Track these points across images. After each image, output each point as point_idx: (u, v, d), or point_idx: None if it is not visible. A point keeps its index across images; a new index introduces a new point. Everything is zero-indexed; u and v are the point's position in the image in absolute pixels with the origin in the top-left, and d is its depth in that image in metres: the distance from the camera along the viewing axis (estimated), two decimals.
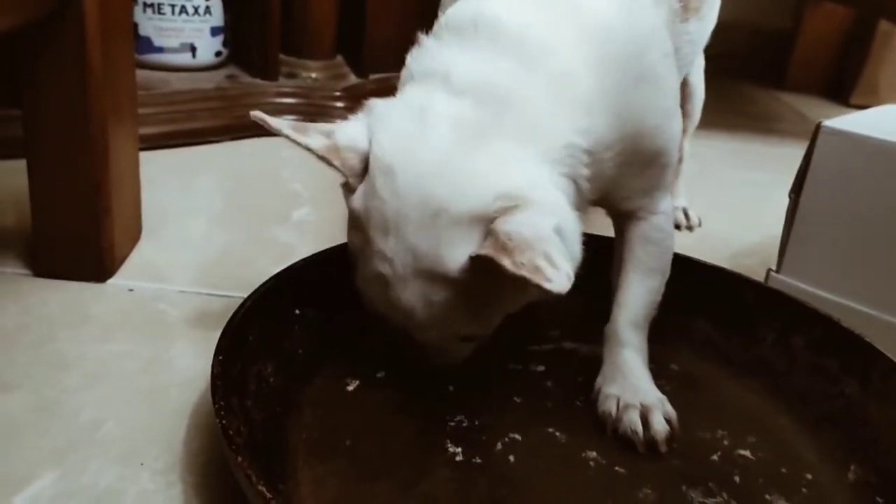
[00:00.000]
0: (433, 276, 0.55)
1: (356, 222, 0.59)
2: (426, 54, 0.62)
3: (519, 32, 0.59)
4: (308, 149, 0.58)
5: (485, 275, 0.53)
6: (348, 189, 0.59)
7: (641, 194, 0.69)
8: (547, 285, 0.48)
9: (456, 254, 0.54)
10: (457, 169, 0.55)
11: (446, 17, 0.63)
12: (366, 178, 0.58)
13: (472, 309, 0.57)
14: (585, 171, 0.60)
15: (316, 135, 0.59)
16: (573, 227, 0.57)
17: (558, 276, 0.49)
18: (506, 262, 0.49)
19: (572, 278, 0.50)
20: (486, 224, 0.53)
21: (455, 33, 0.61)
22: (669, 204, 0.72)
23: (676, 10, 0.75)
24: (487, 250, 0.51)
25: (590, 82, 0.59)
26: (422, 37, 0.64)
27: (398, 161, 0.56)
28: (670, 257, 0.72)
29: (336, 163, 0.58)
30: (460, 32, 0.61)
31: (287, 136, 0.58)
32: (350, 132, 0.59)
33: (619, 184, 0.66)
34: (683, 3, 0.77)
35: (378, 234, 0.56)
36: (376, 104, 0.61)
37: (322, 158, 0.58)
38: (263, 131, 0.59)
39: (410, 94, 0.60)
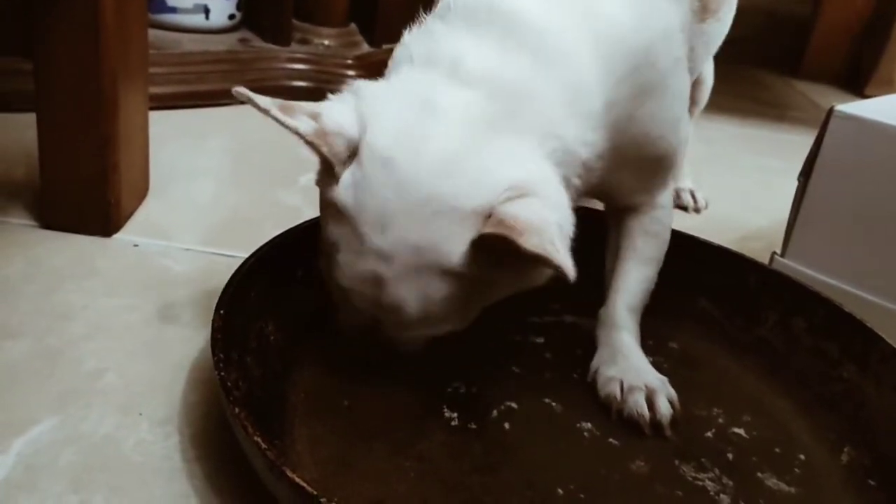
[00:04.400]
0: (434, 271, 0.53)
1: (340, 215, 0.54)
2: (430, 37, 0.59)
3: (538, 29, 0.57)
4: (296, 132, 0.53)
5: (486, 266, 0.52)
6: (328, 176, 0.55)
7: (642, 191, 0.69)
8: (559, 262, 0.48)
9: (460, 247, 0.52)
10: (467, 165, 0.53)
11: None
12: (353, 167, 0.54)
13: (463, 303, 0.56)
14: (577, 181, 0.60)
15: (303, 117, 0.54)
16: (570, 230, 0.55)
17: (568, 261, 0.49)
18: (521, 240, 0.48)
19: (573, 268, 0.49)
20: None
21: (466, 17, 0.58)
22: (669, 197, 0.72)
23: (695, 10, 0.73)
24: (497, 229, 0.49)
25: (600, 97, 0.58)
26: (425, 16, 0.61)
27: (401, 154, 0.53)
28: (666, 248, 0.72)
29: (324, 149, 0.53)
30: (472, 17, 0.58)
31: (275, 118, 0.53)
32: (337, 115, 0.55)
33: (618, 183, 0.66)
34: (703, 4, 0.75)
35: (373, 230, 0.53)
36: (366, 86, 0.57)
37: (310, 144, 0.54)
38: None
39: (411, 79, 0.57)
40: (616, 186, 0.67)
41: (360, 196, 0.53)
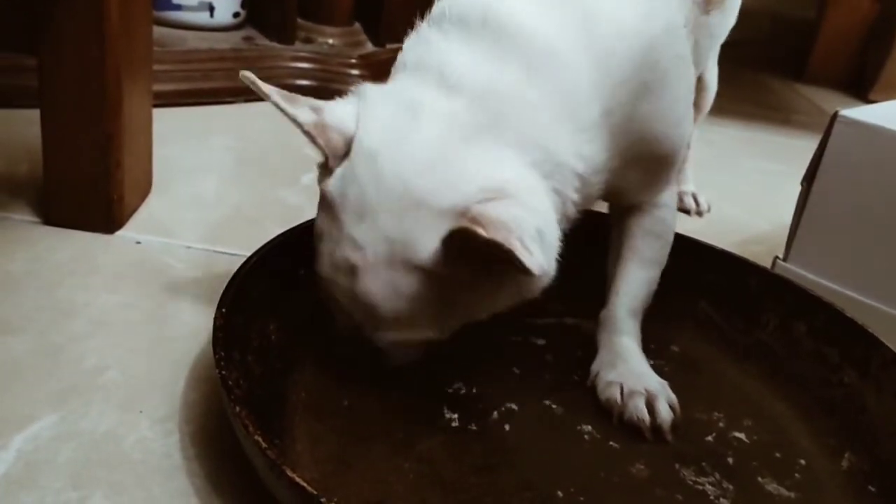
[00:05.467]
0: (405, 266, 0.53)
1: (328, 206, 0.56)
2: (423, 43, 0.60)
3: (528, 36, 0.57)
4: (295, 121, 0.56)
5: (459, 268, 0.52)
6: (325, 170, 0.57)
7: (644, 190, 0.69)
8: (522, 257, 0.47)
9: (432, 244, 0.52)
10: (444, 163, 0.53)
11: (451, 4, 0.60)
12: (346, 161, 0.56)
13: (437, 307, 0.55)
14: (574, 196, 0.59)
15: (305, 108, 0.56)
16: (554, 241, 0.55)
17: (533, 258, 0.48)
18: (479, 231, 0.47)
19: (549, 273, 0.49)
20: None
21: (459, 25, 0.58)
22: (672, 196, 0.71)
23: (699, 2, 0.72)
24: (461, 223, 0.49)
25: (597, 105, 0.58)
26: (420, 23, 0.62)
27: (384, 148, 0.54)
28: (668, 249, 0.72)
29: (321, 141, 0.56)
30: (465, 25, 0.58)
31: (275, 104, 0.56)
32: (339, 113, 0.57)
33: (621, 184, 0.65)
34: None
35: (352, 220, 0.54)
36: (368, 88, 0.59)
37: (307, 134, 0.56)
38: None
39: (403, 84, 0.58)
40: (619, 187, 0.66)
41: (345, 187, 0.55)
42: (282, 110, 0.56)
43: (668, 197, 0.70)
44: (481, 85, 0.56)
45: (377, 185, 0.54)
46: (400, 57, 0.62)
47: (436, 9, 0.61)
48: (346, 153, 0.56)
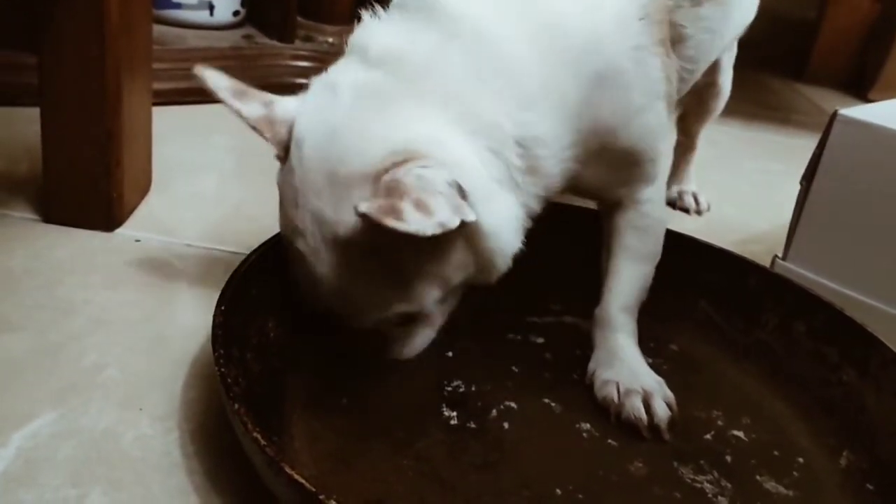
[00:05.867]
0: (341, 243, 0.53)
1: (280, 199, 0.58)
2: (360, 29, 0.60)
3: (454, 12, 0.57)
4: (240, 115, 0.56)
5: (385, 236, 0.49)
6: (281, 163, 0.59)
7: (621, 186, 0.68)
8: (390, 222, 0.45)
9: (351, 217, 0.50)
10: (351, 131, 0.54)
11: None
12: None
13: (391, 278, 0.55)
14: (516, 161, 0.57)
15: (254, 103, 0.57)
16: (480, 189, 0.54)
17: (420, 219, 0.46)
18: (362, 206, 0.46)
19: (447, 226, 0.47)
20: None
21: (399, 10, 0.59)
22: (656, 192, 0.70)
23: None
24: (363, 201, 0.47)
25: (536, 78, 0.57)
26: (364, 14, 0.62)
27: (305, 133, 0.56)
28: (661, 242, 0.71)
29: (268, 135, 0.57)
30: (403, 10, 0.59)
31: (223, 100, 0.57)
32: (286, 105, 0.58)
33: (593, 179, 0.65)
34: None
35: (291, 207, 0.56)
36: (313, 80, 0.60)
37: (254, 128, 0.57)
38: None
39: (333, 68, 0.59)
40: (592, 181, 0.65)
41: (284, 175, 0.57)
42: (229, 106, 0.56)
43: (650, 192, 0.69)
44: (398, 54, 0.56)
45: (301, 166, 0.55)
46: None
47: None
48: None
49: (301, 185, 0.55)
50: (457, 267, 0.56)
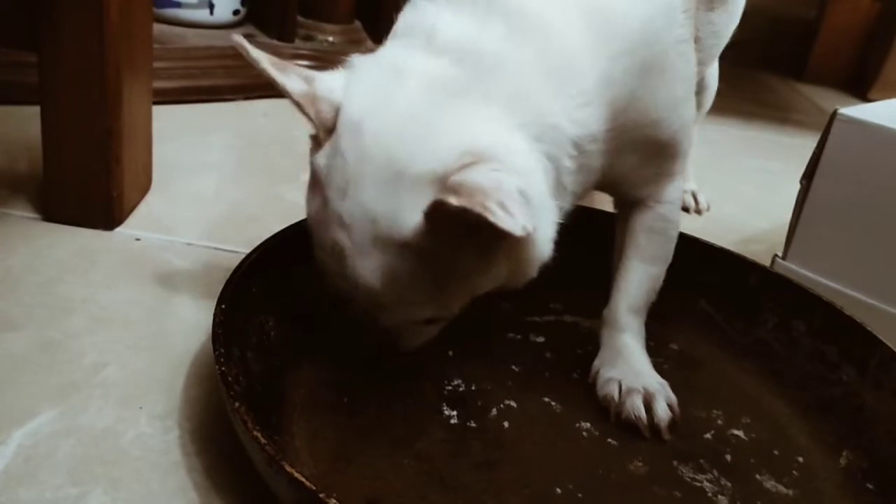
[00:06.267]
0: (392, 243, 0.51)
1: (317, 183, 0.55)
2: (414, 11, 0.59)
3: (521, 2, 0.55)
4: (284, 90, 0.54)
5: (446, 241, 0.50)
6: (316, 144, 0.56)
7: (649, 182, 0.68)
8: (494, 219, 0.44)
9: (415, 217, 0.49)
10: (422, 126, 0.51)
11: None
12: (333, 134, 0.54)
13: (433, 285, 0.54)
14: (568, 163, 0.57)
15: (296, 77, 0.55)
16: (542, 202, 0.53)
17: (512, 220, 0.45)
18: (451, 199, 0.45)
19: (530, 231, 0.46)
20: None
21: None
22: (678, 192, 0.70)
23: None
24: (439, 195, 0.46)
25: (592, 73, 0.56)
26: None
27: (366, 119, 0.52)
28: (673, 245, 0.71)
29: (310, 112, 0.54)
30: None
31: (265, 71, 0.54)
32: (329, 83, 0.55)
33: (622, 171, 0.64)
34: None
35: (336, 196, 0.52)
36: (357, 58, 0.57)
37: (296, 104, 0.54)
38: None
39: (389, 50, 0.57)
40: (620, 174, 0.65)
41: (331, 160, 0.53)
42: (272, 79, 0.54)
43: (672, 193, 0.69)
44: (467, 44, 0.54)
45: (359, 156, 0.52)
46: (393, 27, 0.60)
47: None
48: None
49: (356, 175, 0.52)
50: (494, 276, 0.56)
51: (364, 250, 0.52)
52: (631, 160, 0.64)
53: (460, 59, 0.54)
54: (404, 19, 0.59)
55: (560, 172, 0.57)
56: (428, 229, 0.49)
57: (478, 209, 0.44)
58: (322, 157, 0.54)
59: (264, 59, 0.55)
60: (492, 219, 0.44)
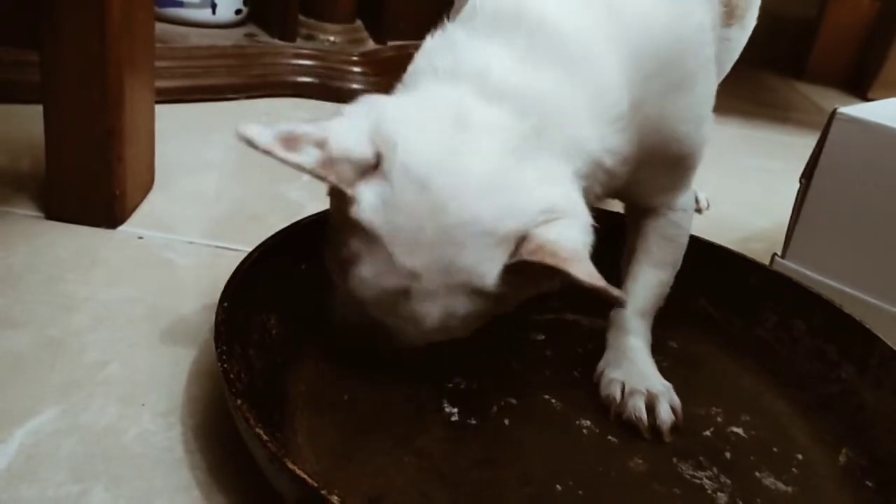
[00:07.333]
0: (465, 291, 0.52)
1: (365, 233, 0.52)
2: (454, 46, 0.56)
3: (564, 35, 0.55)
4: (300, 169, 0.50)
5: (514, 286, 0.53)
6: (342, 196, 0.52)
7: (664, 191, 0.69)
8: (577, 274, 0.48)
9: (495, 270, 0.52)
10: (503, 187, 0.52)
11: (482, 3, 0.57)
12: (379, 185, 0.52)
13: (481, 319, 0.56)
14: (598, 189, 0.59)
15: (308, 148, 0.51)
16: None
17: (590, 275, 0.49)
18: (571, 270, 0.49)
19: (601, 284, 0.50)
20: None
21: (491, 24, 0.56)
22: (690, 200, 0.71)
23: (720, 14, 0.72)
24: (539, 256, 0.50)
25: (627, 97, 0.57)
26: (447, 23, 0.58)
27: (436, 175, 0.51)
28: (683, 252, 0.71)
29: (332, 178, 0.51)
30: (497, 24, 0.56)
31: (277, 157, 0.50)
32: (345, 140, 0.52)
33: (641, 183, 0.65)
34: (728, 9, 0.74)
35: (403, 251, 0.51)
36: (384, 102, 0.55)
37: (316, 176, 0.51)
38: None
39: (438, 94, 0.55)
40: (639, 186, 0.66)
41: (392, 217, 0.51)
42: (285, 162, 0.50)
43: (685, 202, 0.70)
44: (524, 90, 0.54)
45: (432, 213, 0.51)
46: (421, 60, 0.58)
47: (466, 7, 0.58)
48: (362, 174, 0.52)
49: (429, 232, 0.51)
50: (525, 299, 0.58)
51: (433, 296, 0.53)
52: (650, 172, 0.65)
53: (520, 107, 0.54)
54: (443, 54, 0.57)
55: (588, 199, 0.58)
56: (504, 279, 0.52)
57: (562, 266, 0.49)
58: (374, 211, 0.52)
59: (275, 146, 0.50)
60: (575, 275, 0.49)
